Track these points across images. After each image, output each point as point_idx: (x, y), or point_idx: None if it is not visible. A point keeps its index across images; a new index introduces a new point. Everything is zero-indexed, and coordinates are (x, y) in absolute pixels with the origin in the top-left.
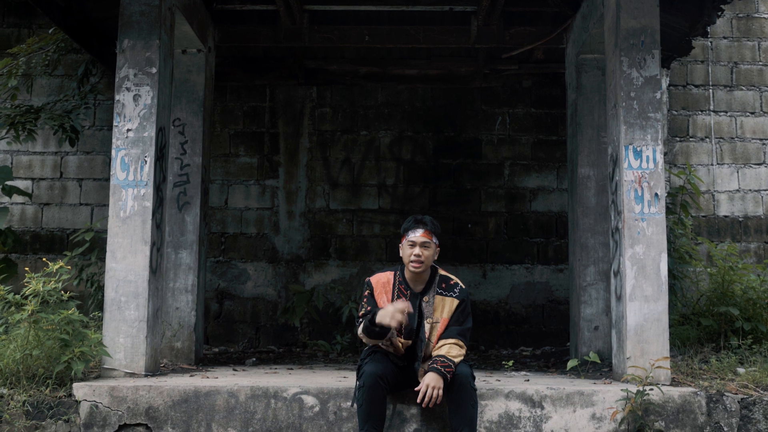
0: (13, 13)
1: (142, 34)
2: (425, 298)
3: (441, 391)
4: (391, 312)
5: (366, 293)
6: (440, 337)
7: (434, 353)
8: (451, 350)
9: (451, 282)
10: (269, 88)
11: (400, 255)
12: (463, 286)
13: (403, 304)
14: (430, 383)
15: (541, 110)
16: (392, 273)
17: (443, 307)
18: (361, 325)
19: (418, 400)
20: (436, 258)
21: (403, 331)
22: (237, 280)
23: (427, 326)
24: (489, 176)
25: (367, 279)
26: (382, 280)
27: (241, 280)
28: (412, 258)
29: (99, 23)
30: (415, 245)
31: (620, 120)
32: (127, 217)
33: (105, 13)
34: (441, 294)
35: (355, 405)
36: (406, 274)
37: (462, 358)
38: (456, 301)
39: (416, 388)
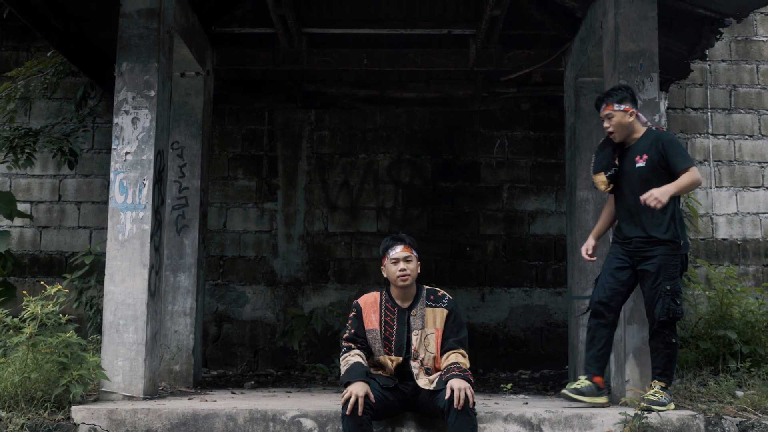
0: (11, 36)
1: (140, 57)
2: (412, 312)
3: (470, 390)
4: (356, 391)
5: (352, 314)
6: (442, 350)
7: (443, 364)
8: (459, 359)
9: (439, 294)
10: (268, 111)
11: (384, 276)
12: (451, 297)
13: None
14: (456, 386)
15: (539, 133)
16: (378, 293)
17: (434, 318)
18: (343, 358)
19: (455, 406)
20: (418, 272)
21: (394, 348)
22: (235, 303)
23: (414, 338)
24: (487, 199)
25: (355, 301)
26: (369, 301)
27: (240, 303)
28: (399, 273)
29: (98, 46)
30: (399, 261)
31: None
32: (126, 240)
33: (104, 36)
34: (431, 306)
35: None
36: (393, 292)
37: (468, 364)
38: (446, 311)
39: (446, 397)
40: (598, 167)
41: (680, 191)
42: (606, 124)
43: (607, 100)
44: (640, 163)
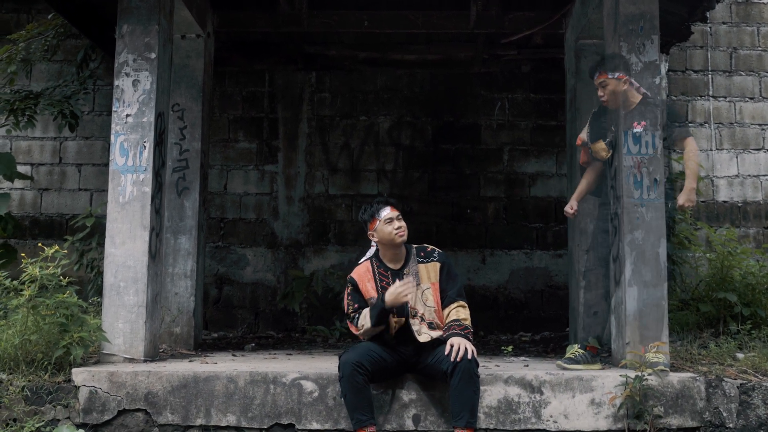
0: None
1: (141, 19)
2: (405, 271)
3: (469, 345)
4: (396, 293)
5: (348, 290)
6: (443, 304)
7: (446, 321)
8: (459, 313)
9: (428, 249)
10: (268, 74)
11: (375, 240)
12: (440, 251)
13: (399, 286)
14: (455, 342)
15: (540, 95)
16: (368, 261)
17: (428, 273)
18: (360, 320)
19: (452, 358)
20: None
21: (395, 310)
22: (236, 265)
23: (411, 296)
24: (488, 161)
25: (348, 276)
26: (361, 271)
27: (240, 265)
28: (397, 231)
29: (98, 8)
30: (392, 220)
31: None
32: (126, 202)
33: None
34: (422, 262)
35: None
36: (385, 256)
37: (469, 316)
38: (438, 264)
39: (446, 352)
40: (596, 136)
41: (696, 175)
42: (600, 93)
43: (600, 69)
44: (638, 129)
